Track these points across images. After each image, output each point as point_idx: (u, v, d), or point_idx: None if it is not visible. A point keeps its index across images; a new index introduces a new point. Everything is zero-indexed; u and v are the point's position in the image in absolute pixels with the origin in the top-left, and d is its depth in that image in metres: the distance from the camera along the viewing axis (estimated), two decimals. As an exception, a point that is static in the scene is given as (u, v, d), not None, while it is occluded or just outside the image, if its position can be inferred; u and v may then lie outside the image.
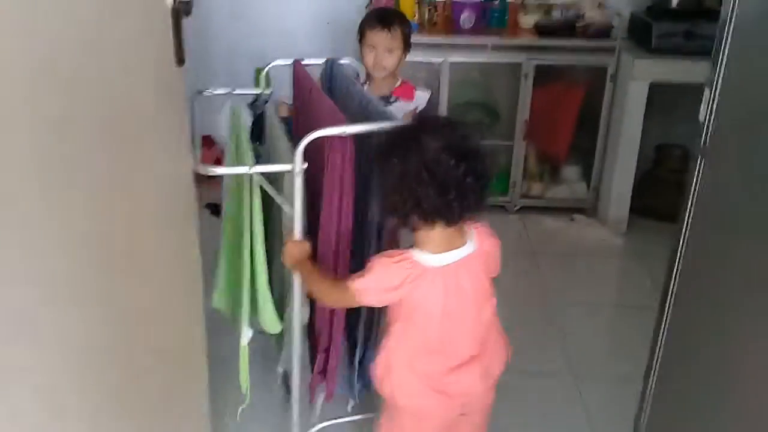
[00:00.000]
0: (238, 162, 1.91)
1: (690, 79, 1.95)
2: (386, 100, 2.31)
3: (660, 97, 3.23)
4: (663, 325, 1.63)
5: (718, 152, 1.38)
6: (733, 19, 1.30)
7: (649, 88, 3.13)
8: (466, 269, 1.39)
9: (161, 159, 1.47)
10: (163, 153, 1.48)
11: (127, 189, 1.30)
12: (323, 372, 1.75)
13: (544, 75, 3.30)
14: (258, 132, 2.02)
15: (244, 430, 2.06)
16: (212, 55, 3.58)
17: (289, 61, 2.09)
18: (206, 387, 1.82)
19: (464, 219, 1.37)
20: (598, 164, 3.45)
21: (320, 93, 1.88)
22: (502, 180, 3.51)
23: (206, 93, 2.02)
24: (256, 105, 2.06)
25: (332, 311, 1.66)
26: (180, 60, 1.48)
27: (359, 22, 2.36)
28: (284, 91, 2.19)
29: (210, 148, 3.15)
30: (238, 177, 1.76)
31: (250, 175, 1.62)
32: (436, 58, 3.27)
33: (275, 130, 1.84)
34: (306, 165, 1.53)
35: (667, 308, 1.59)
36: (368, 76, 2.34)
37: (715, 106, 1.37)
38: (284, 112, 2.11)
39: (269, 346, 2.06)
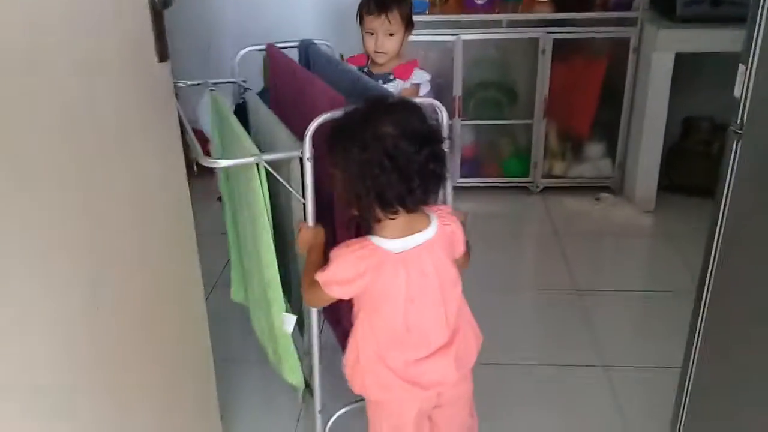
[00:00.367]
0: (225, 152, 1.90)
1: (718, 48, 1.82)
2: (385, 78, 2.24)
3: (686, 67, 3.06)
4: (701, 314, 1.52)
5: (757, 129, 1.28)
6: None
7: (675, 59, 2.97)
8: (429, 253, 1.35)
9: (148, 157, 1.40)
10: (150, 151, 1.41)
11: (110, 191, 1.24)
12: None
13: (562, 49, 3.15)
14: (241, 121, 1.93)
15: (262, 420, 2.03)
16: (214, 41, 3.48)
17: (262, 47, 2.05)
18: (214, 387, 1.79)
19: (427, 204, 1.34)
20: (623, 140, 3.30)
21: (309, 74, 1.80)
22: (523, 160, 3.39)
23: (180, 84, 1.94)
24: (242, 95, 2.00)
25: None
26: (162, 56, 1.39)
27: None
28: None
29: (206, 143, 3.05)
30: (229, 169, 1.73)
31: (256, 165, 1.53)
32: (448, 37, 3.14)
33: (268, 117, 1.76)
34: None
35: (705, 294, 1.50)
36: (371, 59, 2.25)
37: (752, 80, 1.26)
38: None
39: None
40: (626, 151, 3.31)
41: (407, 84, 2.24)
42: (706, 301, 1.49)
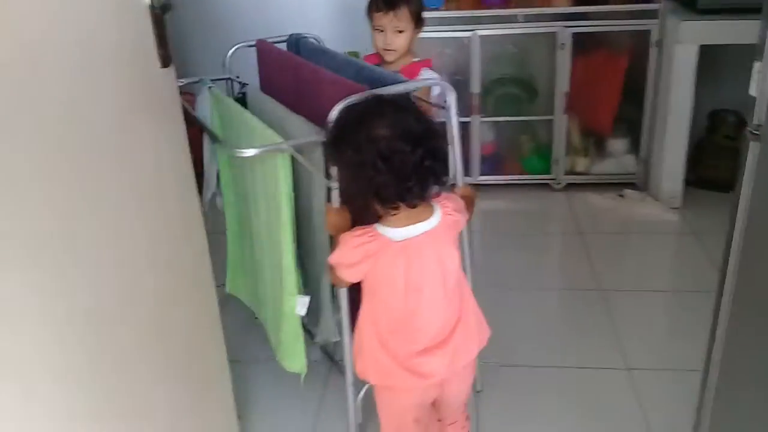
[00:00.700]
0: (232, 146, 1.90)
1: (743, 39, 1.75)
2: None
3: (711, 59, 2.98)
4: (721, 314, 1.46)
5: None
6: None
7: (699, 51, 2.88)
8: (432, 241, 1.36)
9: (152, 163, 1.37)
10: (155, 157, 1.38)
11: (114, 197, 1.22)
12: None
13: (582, 44, 3.08)
14: None
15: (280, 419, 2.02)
16: (227, 38, 3.47)
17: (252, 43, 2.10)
18: (230, 386, 1.78)
19: (426, 199, 1.35)
20: (647, 135, 3.23)
21: (316, 67, 1.83)
22: (544, 157, 3.32)
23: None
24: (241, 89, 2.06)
25: None
26: (165, 61, 1.36)
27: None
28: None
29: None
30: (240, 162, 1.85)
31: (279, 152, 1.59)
32: (464, 33, 3.09)
33: (277, 108, 1.81)
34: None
35: (725, 294, 1.43)
36: (381, 57, 2.21)
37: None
38: None
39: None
40: (650, 146, 3.23)
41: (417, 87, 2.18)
42: (726, 300, 1.43)
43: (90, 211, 1.18)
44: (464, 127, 3.24)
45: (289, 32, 2.16)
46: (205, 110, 2.03)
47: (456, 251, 1.41)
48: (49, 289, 1.08)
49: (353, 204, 1.39)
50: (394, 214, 1.32)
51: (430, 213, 1.37)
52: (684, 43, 2.88)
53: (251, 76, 2.14)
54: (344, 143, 1.31)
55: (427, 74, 2.20)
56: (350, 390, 1.79)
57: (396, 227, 1.35)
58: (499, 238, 3.04)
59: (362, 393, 1.80)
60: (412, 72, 2.20)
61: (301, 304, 1.69)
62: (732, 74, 2.83)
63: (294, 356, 1.79)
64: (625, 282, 2.61)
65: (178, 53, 2.10)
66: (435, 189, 1.35)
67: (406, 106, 1.35)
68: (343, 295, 1.67)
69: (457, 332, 1.42)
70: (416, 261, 1.35)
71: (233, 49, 2.14)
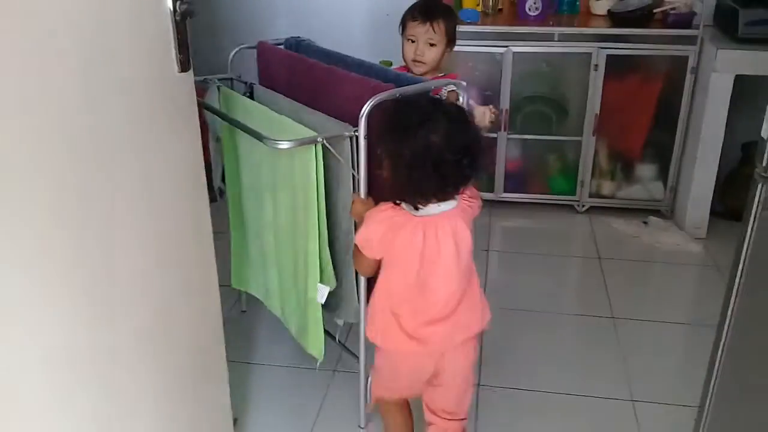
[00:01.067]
0: (244, 141, 2.05)
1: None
2: None
3: (747, 90, 2.92)
4: (721, 348, 1.46)
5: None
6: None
7: (735, 81, 2.83)
8: (448, 221, 1.48)
9: (167, 166, 1.39)
10: (169, 160, 1.40)
11: (127, 199, 1.24)
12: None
13: (616, 66, 3.04)
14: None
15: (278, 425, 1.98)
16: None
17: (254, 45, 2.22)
18: (227, 390, 1.79)
19: (457, 194, 1.50)
20: (676, 163, 3.17)
21: (331, 67, 1.94)
22: (570, 178, 3.29)
23: None
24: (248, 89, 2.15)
25: None
26: (184, 66, 1.38)
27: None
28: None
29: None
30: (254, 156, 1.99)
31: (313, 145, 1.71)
32: (498, 48, 3.07)
33: (292, 106, 1.91)
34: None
35: (726, 328, 1.43)
36: (409, 70, 2.20)
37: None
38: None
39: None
40: (679, 174, 3.18)
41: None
42: (726, 338, 1.43)
43: (100, 209, 1.20)
44: (491, 143, 3.22)
45: (329, 41, 2.23)
46: (213, 107, 2.09)
47: (469, 233, 1.52)
48: (54, 285, 1.10)
49: (391, 191, 1.51)
50: (424, 206, 1.46)
51: (450, 198, 1.49)
52: (720, 72, 2.83)
53: (250, 77, 2.22)
54: (403, 143, 1.42)
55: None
56: (362, 375, 1.92)
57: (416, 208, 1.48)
58: (516, 256, 3.01)
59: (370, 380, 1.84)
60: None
61: (321, 293, 1.81)
62: None
63: (315, 341, 1.90)
64: (640, 311, 2.57)
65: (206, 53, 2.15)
66: (465, 188, 1.51)
67: (460, 117, 1.47)
68: (362, 285, 1.80)
69: (460, 308, 1.54)
70: (433, 235, 1.47)
71: (236, 50, 2.21)
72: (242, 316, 2.54)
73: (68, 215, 1.12)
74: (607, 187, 3.30)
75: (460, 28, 2.23)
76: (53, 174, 1.08)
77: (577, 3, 3.23)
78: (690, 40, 2.95)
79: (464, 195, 1.53)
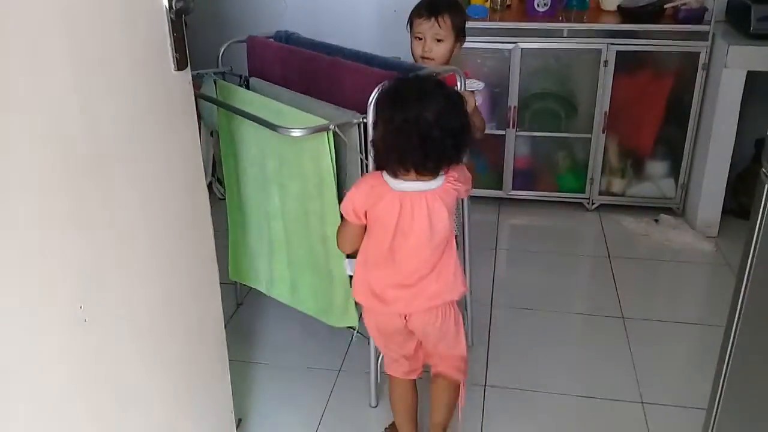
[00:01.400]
0: (241, 133, 2.09)
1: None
2: None
3: (760, 85, 2.88)
4: (729, 348, 1.43)
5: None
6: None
7: (748, 77, 2.78)
8: (426, 200, 1.56)
9: (164, 165, 1.38)
10: (167, 160, 1.39)
11: (124, 199, 1.23)
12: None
13: (626, 62, 3.00)
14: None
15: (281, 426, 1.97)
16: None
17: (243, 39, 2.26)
18: (229, 391, 1.79)
19: (436, 173, 1.56)
20: (688, 160, 3.13)
21: (328, 58, 2.00)
22: (579, 175, 3.25)
23: None
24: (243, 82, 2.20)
25: None
26: (180, 64, 1.36)
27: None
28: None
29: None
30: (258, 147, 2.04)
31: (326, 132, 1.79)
32: (506, 45, 3.04)
33: (293, 96, 1.98)
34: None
35: (734, 329, 1.41)
36: None
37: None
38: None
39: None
40: (690, 171, 3.14)
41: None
42: (734, 338, 1.40)
43: (97, 209, 1.19)
44: (499, 140, 3.19)
45: (338, 37, 2.25)
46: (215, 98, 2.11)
47: (446, 214, 1.59)
48: (53, 286, 1.09)
49: (376, 155, 1.62)
50: (405, 174, 1.54)
51: (433, 177, 1.56)
52: (732, 68, 2.78)
53: (240, 71, 2.26)
54: (397, 111, 1.51)
55: (470, 83, 2.14)
56: (372, 354, 2.01)
57: (398, 180, 1.56)
58: (525, 254, 2.98)
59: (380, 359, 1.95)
60: (450, 82, 2.16)
61: (349, 266, 1.87)
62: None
63: (347, 313, 1.98)
64: (650, 311, 2.54)
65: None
66: (446, 167, 1.57)
67: (456, 101, 1.56)
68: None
69: (428, 278, 1.64)
70: (408, 210, 1.56)
71: (226, 44, 2.25)
72: (240, 311, 2.54)
73: (65, 216, 1.11)
74: (617, 184, 3.26)
75: (468, 24, 2.20)
76: (48, 175, 1.07)
77: (587, -1, 3.20)
78: (701, 36, 2.91)
79: (451, 176, 1.59)
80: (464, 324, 1.79)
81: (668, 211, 3.22)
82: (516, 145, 3.23)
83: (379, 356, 1.96)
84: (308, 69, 2.04)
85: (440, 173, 1.57)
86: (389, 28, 3.37)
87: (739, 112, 2.85)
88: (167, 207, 1.43)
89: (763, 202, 1.23)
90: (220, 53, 2.24)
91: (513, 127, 3.18)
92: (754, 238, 1.27)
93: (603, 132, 3.13)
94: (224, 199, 2.32)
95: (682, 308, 2.59)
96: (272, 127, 1.78)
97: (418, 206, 1.56)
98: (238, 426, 1.87)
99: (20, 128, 0.99)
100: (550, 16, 3.07)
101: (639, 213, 3.23)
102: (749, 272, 1.29)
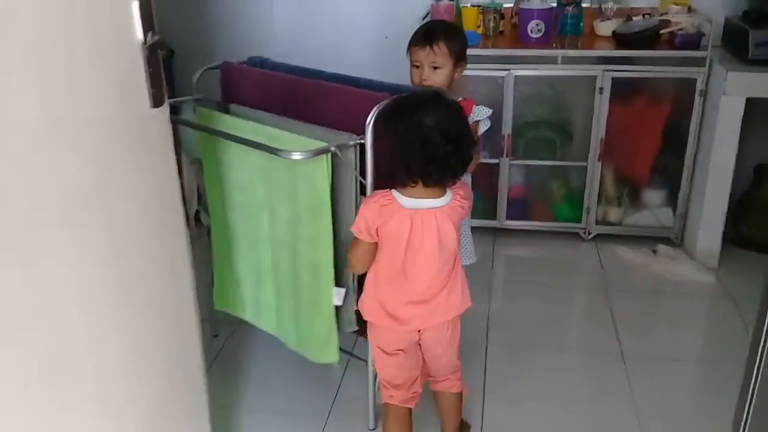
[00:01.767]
0: (227, 159, 2.04)
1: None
2: None
3: (759, 112, 2.82)
4: (752, 388, 1.36)
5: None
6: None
7: (746, 103, 2.72)
8: (435, 217, 1.61)
9: (136, 205, 1.28)
10: (143, 199, 1.30)
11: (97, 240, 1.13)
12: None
13: (622, 89, 2.94)
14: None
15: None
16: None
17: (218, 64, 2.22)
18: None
19: (441, 185, 1.61)
20: (686, 188, 3.06)
21: (314, 82, 1.99)
22: (575, 205, 3.17)
23: None
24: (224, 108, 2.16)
25: None
26: (157, 100, 1.27)
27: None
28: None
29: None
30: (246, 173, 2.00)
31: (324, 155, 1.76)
32: (499, 72, 2.97)
33: (281, 121, 1.94)
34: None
35: (757, 364, 1.33)
36: None
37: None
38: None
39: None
40: (689, 200, 3.06)
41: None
42: (758, 372, 1.32)
43: (66, 255, 1.09)
44: (493, 169, 3.12)
45: (328, 63, 2.22)
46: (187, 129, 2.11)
47: (454, 230, 1.64)
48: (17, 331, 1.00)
49: (384, 167, 1.68)
50: (412, 186, 1.59)
51: (441, 194, 1.62)
52: (730, 95, 2.72)
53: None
54: (399, 122, 1.57)
55: (478, 110, 2.11)
56: (370, 376, 2.00)
57: (408, 197, 1.61)
58: (520, 287, 2.89)
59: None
60: (466, 108, 2.08)
61: (337, 295, 1.87)
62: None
63: (328, 347, 1.94)
64: (650, 348, 2.45)
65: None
66: (451, 181, 1.62)
67: (455, 110, 1.60)
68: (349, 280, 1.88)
69: (440, 296, 1.68)
70: (419, 228, 1.60)
71: (200, 72, 2.21)
72: (216, 343, 2.46)
73: (31, 262, 1.01)
74: (613, 213, 3.18)
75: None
76: (17, 217, 0.97)
77: (581, 24, 3.13)
78: (698, 62, 2.85)
79: (458, 194, 1.65)
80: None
81: (666, 240, 3.14)
82: (510, 174, 3.16)
83: (376, 378, 1.94)
84: (292, 93, 2.02)
85: (446, 189, 1.63)
86: (382, 54, 3.31)
87: (739, 139, 2.78)
88: (142, 249, 1.33)
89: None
90: (194, 80, 2.19)
91: (507, 155, 3.10)
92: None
93: (599, 160, 3.05)
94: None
95: (684, 344, 2.50)
96: (273, 151, 1.76)
97: (428, 224, 1.60)
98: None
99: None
100: (543, 42, 3.01)
101: (636, 243, 3.15)
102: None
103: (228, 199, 2.10)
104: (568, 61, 2.93)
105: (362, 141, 1.75)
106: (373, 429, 2.06)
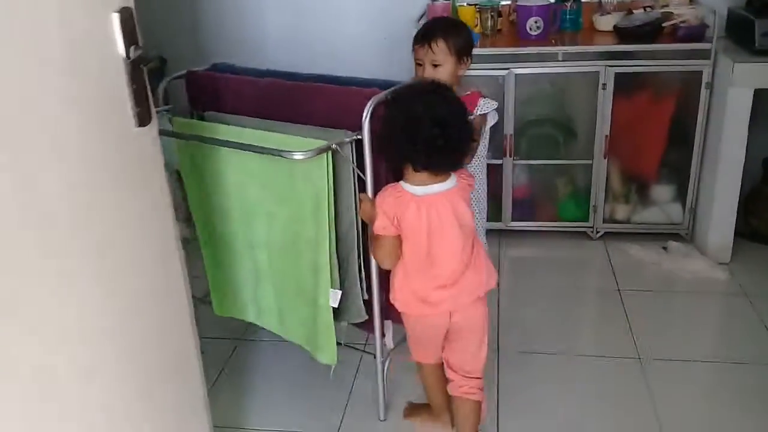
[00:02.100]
0: (208, 168, 2.00)
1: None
2: None
3: (765, 102, 2.74)
4: None
5: None
6: None
7: (754, 95, 2.65)
8: (447, 199, 1.66)
9: (123, 233, 1.22)
10: (131, 223, 1.23)
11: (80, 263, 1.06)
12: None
13: (626, 84, 2.87)
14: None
15: None
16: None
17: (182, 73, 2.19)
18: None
19: (441, 172, 1.66)
20: (695, 183, 2.99)
21: (295, 84, 1.97)
22: (581, 203, 3.10)
23: None
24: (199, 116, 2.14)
25: None
26: (143, 119, 1.21)
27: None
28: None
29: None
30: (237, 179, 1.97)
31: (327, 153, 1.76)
32: (499, 71, 2.90)
33: (268, 124, 1.92)
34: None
35: None
36: None
37: None
38: None
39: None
40: (698, 194, 2.99)
41: (472, 116, 2.06)
42: None
43: (51, 288, 1.03)
44: (496, 170, 3.05)
45: (323, 68, 2.17)
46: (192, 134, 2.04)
47: (468, 208, 1.70)
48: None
49: (387, 159, 1.73)
50: (418, 174, 1.64)
51: (446, 178, 1.67)
52: (738, 87, 2.65)
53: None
54: (397, 110, 1.63)
55: (485, 103, 2.10)
56: (379, 359, 2.05)
57: (416, 185, 1.65)
58: (529, 291, 2.81)
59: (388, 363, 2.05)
60: (471, 102, 2.06)
61: (333, 297, 1.88)
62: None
63: (327, 347, 1.95)
64: (668, 350, 2.37)
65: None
66: (452, 169, 1.67)
67: (447, 98, 1.64)
68: (375, 273, 1.90)
69: (466, 274, 1.72)
70: (434, 212, 1.65)
71: (166, 81, 2.16)
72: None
73: (13, 301, 0.95)
74: (621, 211, 3.11)
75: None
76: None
77: (580, 20, 3.07)
78: (703, 54, 2.77)
79: (461, 174, 1.71)
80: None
81: (676, 237, 3.07)
82: (514, 175, 3.09)
83: (385, 370, 2.06)
84: (272, 96, 1.99)
85: (451, 173, 1.67)
86: (378, 55, 3.25)
87: (747, 131, 2.71)
88: (135, 280, 1.26)
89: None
90: (161, 90, 2.15)
91: (510, 155, 3.03)
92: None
93: (604, 157, 2.98)
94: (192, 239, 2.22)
95: (702, 345, 2.43)
96: (275, 152, 1.76)
97: (443, 207, 1.65)
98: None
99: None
100: (543, 39, 2.94)
101: (646, 240, 3.07)
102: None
103: (214, 207, 2.07)
104: (569, 57, 2.86)
105: (359, 137, 1.76)
106: (384, 420, 2.10)
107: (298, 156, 1.71)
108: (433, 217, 1.65)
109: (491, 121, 2.14)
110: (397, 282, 1.76)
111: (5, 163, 0.93)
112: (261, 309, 2.14)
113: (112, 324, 1.18)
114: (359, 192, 1.82)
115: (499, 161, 3.03)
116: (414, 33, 2.11)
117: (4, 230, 0.93)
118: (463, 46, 2.07)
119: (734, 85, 2.64)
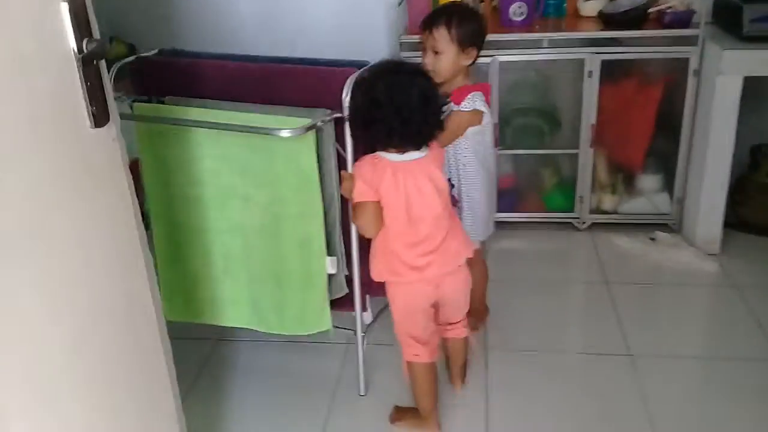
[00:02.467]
0: (170, 152, 1.95)
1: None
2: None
3: (754, 90, 2.68)
4: None
5: None
6: None
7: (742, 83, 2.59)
8: (422, 166, 1.72)
9: (80, 243, 1.13)
10: (91, 225, 1.14)
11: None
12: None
13: (612, 71, 2.80)
14: None
15: None
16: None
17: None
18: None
19: (412, 146, 1.70)
20: (683, 172, 2.93)
21: (262, 65, 1.96)
22: (567, 193, 3.04)
23: None
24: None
25: None
26: (98, 120, 1.11)
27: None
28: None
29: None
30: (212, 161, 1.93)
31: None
32: (483, 59, 2.80)
33: (241, 106, 1.89)
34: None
35: None
36: None
37: None
38: None
39: None
40: (686, 184, 2.94)
41: (459, 108, 2.05)
42: None
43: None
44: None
45: (299, 52, 2.12)
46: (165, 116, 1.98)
47: (442, 174, 1.75)
48: None
49: (363, 139, 1.76)
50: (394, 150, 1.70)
51: (419, 149, 1.72)
52: (727, 74, 2.58)
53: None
54: (366, 89, 1.67)
55: (470, 100, 2.05)
56: (360, 345, 2.09)
57: (392, 153, 1.70)
58: (513, 284, 2.74)
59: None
60: (460, 95, 2.04)
61: (331, 264, 1.92)
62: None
63: (323, 316, 1.98)
64: (657, 344, 2.32)
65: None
66: (421, 145, 1.71)
67: (418, 73, 1.71)
68: (356, 248, 1.94)
69: (447, 239, 1.77)
70: (410, 177, 1.70)
71: (116, 67, 2.01)
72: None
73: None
74: (608, 201, 3.05)
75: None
76: None
77: (564, 5, 2.99)
78: (690, 41, 2.71)
79: (433, 144, 1.74)
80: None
81: (664, 227, 3.02)
82: (498, 165, 3.01)
83: (364, 345, 2.09)
84: (236, 79, 1.95)
85: (424, 146, 1.71)
86: (352, 39, 3.13)
87: (737, 119, 2.65)
88: (99, 288, 1.17)
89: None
90: (111, 77, 2.01)
91: (495, 145, 2.95)
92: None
93: (591, 146, 2.92)
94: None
95: (691, 339, 2.38)
96: (262, 131, 1.76)
97: (419, 173, 1.71)
98: None
99: None
100: (527, 25, 2.86)
101: (633, 231, 3.02)
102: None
103: (178, 195, 2.00)
104: (555, 44, 2.78)
105: (339, 115, 1.79)
106: (364, 395, 2.14)
107: (285, 133, 1.72)
108: (409, 181, 1.70)
109: (486, 119, 2.12)
110: (377, 253, 1.80)
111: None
112: (223, 305, 2.08)
113: (70, 336, 1.10)
114: (340, 170, 1.85)
115: (483, 151, 2.95)
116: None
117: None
118: (467, 35, 2.03)
119: (723, 72, 2.58)
